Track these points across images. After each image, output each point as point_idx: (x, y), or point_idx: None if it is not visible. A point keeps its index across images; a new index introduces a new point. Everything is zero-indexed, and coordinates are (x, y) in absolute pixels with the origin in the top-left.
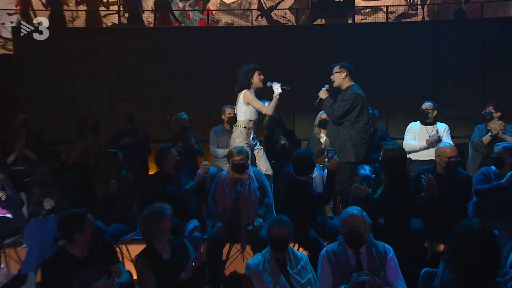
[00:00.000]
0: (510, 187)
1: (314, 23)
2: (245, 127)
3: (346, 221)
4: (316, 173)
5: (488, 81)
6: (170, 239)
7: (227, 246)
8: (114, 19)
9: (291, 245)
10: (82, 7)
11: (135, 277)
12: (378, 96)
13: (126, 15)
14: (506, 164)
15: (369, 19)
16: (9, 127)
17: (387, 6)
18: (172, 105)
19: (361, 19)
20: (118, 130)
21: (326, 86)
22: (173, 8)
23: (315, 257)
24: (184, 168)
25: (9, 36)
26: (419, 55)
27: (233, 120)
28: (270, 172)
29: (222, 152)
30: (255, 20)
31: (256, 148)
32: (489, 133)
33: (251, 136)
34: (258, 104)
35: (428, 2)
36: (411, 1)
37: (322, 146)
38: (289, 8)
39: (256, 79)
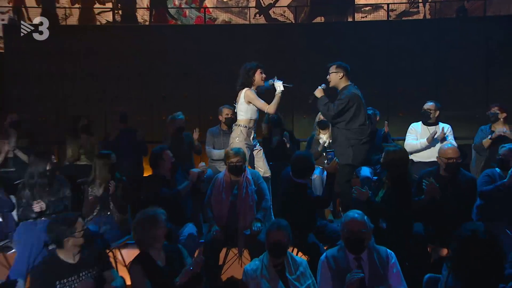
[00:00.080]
0: None
1: (313, 21)
2: (245, 127)
3: (347, 225)
4: (315, 175)
5: (491, 80)
6: (165, 244)
7: (223, 250)
8: (108, 17)
9: (289, 249)
10: (76, 5)
11: (128, 282)
12: (379, 96)
13: (121, 12)
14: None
15: (370, 17)
16: None
17: (387, 4)
18: (168, 104)
19: (361, 17)
20: (112, 130)
21: (323, 85)
22: (169, 6)
23: (315, 262)
24: (179, 170)
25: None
26: (421, 54)
27: (230, 121)
28: (268, 174)
29: (217, 153)
30: (253, 18)
31: (255, 148)
32: (489, 137)
33: (252, 136)
34: (260, 102)
35: (429, 0)
36: None
37: (319, 148)
38: (288, 6)
39: (258, 77)
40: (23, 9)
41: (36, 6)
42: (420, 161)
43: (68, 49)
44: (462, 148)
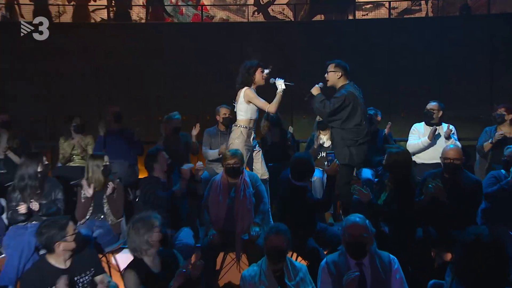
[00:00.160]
0: None
1: (313, 19)
2: (246, 127)
3: (348, 229)
4: (315, 177)
5: (495, 78)
6: (160, 250)
7: (221, 255)
8: (103, 14)
9: (288, 254)
10: (72, 2)
11: None
12: (380, 95)
13: (115, 9)
14: None
15: (371, 15)
16: None
17: (389, 2)
18: (164, 104)
19: (362, 15)
20: (106, 130)
21: (320, 83)
22: (166, 3)
23: (315, 267)
24: (175, 172)
25: None
26: (423, 52)
27: (228, 121)
28: (266, 176)
29: (212, 153)
30: (252, 16)
31: (255, 149)
32: (490, 140)
33: (252, 137)
34: (260, 102)
35: None
36: None
37: (315, 146)
38: (287, 4)
39: (259, 76)
40: (16, 7)
41: (29, 3)
42: (422, 163)
43: (61, 47)
44: (466, 149)
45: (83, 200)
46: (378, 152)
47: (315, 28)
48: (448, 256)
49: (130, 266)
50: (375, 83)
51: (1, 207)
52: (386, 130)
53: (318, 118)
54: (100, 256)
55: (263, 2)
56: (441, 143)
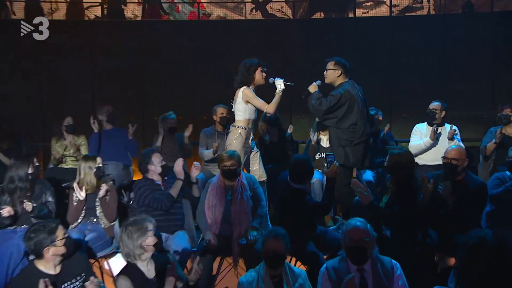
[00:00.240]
0: None
1: (313, 17)
2: (244, 128)
3: (349, 234)
4: (315, 179)
5: (498, 77)
6: (154, 254)
7: (217, 260)
8: (97, 11)
9: (287, 259)
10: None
11: None
12: (381, 94)
13: (107, 6)
14: None
15: (371, 13)
16: None
17: None
18: (160, 103)
19: (363, 13)
20: (99, 131)
21: (318, 81)
22: (162, 0)
23: (314, 272)
24: (170, 174)
25: None
26: (425, 51)
27: (225, 120)
28: (264, 178)
29: (207, 153)
30: (249, 14)
31: (253, 150)
32: (493, 140)
33: (250, 138)
34: (259, 102)
35: None
36: None
37: (313, 142)
38: (286, 1)
39: (259, 76)
40: (8, 4)
41: (21, 0)
42: (425, 164)
43: (53, 46)
44: (469, 150)
45: (75, 203)
46: (378, 153)
47: (315, 26)
48: (452, 260)
49: (123, 272)
50: (376, 82)
51: None
52: (384, 130)
53: (317, 118)
54: (93, 261)
55: None
56: (444, 143)
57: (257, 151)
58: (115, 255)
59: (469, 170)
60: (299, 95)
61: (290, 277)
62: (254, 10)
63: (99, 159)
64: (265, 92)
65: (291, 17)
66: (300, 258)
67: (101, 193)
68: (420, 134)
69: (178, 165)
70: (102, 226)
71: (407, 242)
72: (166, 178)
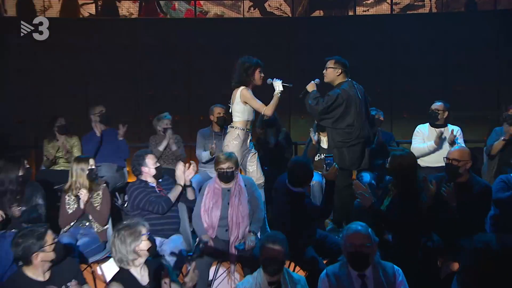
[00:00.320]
0: None
1: (312, 15)
2: (242, 129)
3: (349, 238)
4: (314, 181)
5: (502, 76)
6: (148, 259)
7: (214, 265)
8: (92, 9)
9: (286, 264)
10: None
11: None
12: (382, 94)
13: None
14: None
15: (372, 11)
16: None
17: None
18: (155, 103)
19: (363, 11)
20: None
21: (317, 80)
22: None
23: (314, 278)
24: (165, 176)
25: None
26: (427, 50)
27: (222, 120)
28: (261, 181)
29: (206, 154)
30: (247, 12)
31: (250, 151)
32: (501, 138)
33: (248, 140)
34: (257, 103)
35: None
36: None
37: (313, 142)
38: None
39: (257, 76)
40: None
41: None
42: (427, 166)
43: (46, 44)
44: (473, 152)
45: (70, 211)
46: (378, 155)
47: (314, 24)
48: (455, 265)
49: (115, 278)
50: (376, 82)
51: None
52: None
53: None
54: (85, 266)
55: None
56: (447, 145)
57: (255, 152)
58: (108, 260)
59: (473, 172)
60: (297, 95)
61: (289, 283)
62: (252, 8)
63: (91, 161)
64: (263, 92)
65: (290, 15)
66: (299, 263)
67: (83, 198)
68: (422, 135)
69: (179, 170)
70: (95, 230)
71: (410, 247)
72: (160, 180)
